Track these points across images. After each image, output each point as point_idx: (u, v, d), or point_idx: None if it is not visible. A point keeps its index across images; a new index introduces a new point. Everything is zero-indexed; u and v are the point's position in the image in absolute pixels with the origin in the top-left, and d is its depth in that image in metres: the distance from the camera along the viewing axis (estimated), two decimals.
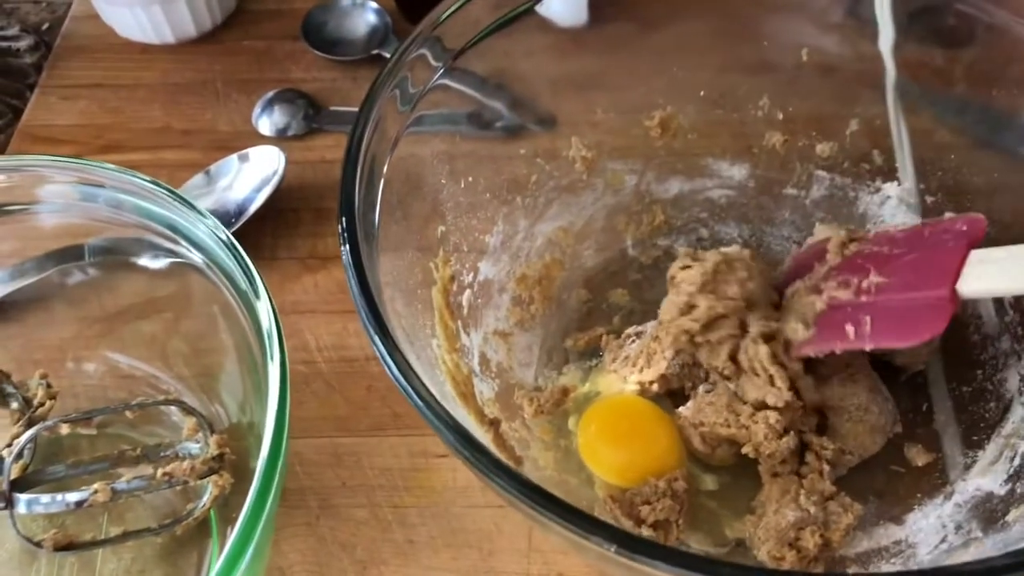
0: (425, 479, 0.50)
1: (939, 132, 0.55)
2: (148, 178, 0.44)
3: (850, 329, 0.44)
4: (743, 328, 0.47)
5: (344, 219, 0.39)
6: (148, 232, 0.45)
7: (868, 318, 0.44)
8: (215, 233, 0.42)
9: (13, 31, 0.76)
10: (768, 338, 0.46)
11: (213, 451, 0.46)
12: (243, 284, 0.42)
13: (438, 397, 0.37)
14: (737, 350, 0.47)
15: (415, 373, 0.36)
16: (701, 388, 0.49)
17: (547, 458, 0.48)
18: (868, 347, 0.44)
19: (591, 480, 0.47)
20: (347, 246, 0.38)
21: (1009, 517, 0.40)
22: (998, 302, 0.49)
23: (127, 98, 0.69)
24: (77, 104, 0.68)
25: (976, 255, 0.42)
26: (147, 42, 0.71)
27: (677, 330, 0.46)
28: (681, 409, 0.48)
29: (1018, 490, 0.41)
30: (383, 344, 0.36)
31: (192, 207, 0.43)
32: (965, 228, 0.43)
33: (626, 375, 0.50)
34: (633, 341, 0.51)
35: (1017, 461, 0.43)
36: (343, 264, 0.38)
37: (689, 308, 0.46)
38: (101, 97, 0.69)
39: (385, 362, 0.36)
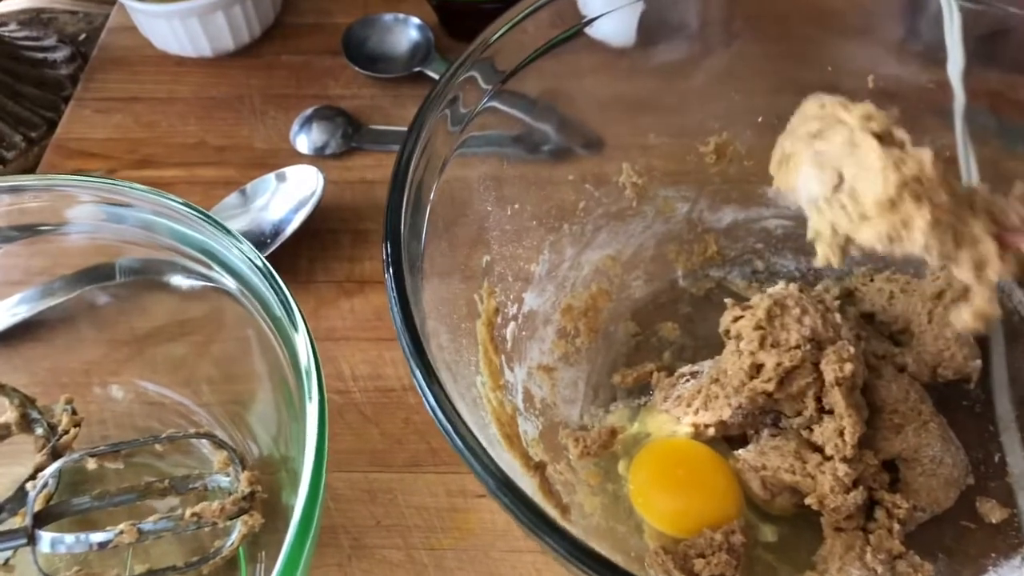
0: (463, 520, 0.48)
1: (1005, 163, 0.52)
2: (180, 200, 0.42)
3: None
4: (818, 372, 0.44)
5: (389, 246, 0.37)
6: (179, 255, 0.43)
7: None
8: (249, 258, 0.40)
9: (50, 42, 0.75)
10: (843, 380, 0.43)
11: (244, 489, 0.44)
12: (279, 313, 0.40)
13: (483, 441, 0.34)
14: (821, 395, 0.44)
15: (459, 415, 0.33)
16: (766, 431, 0.46)
17: (594, 503, 0.45)
18: None
19: (640, 528, 0.44)
20: (391, 274, 0.36)
21: None
22: None
23: (162, 112, 0.67)
24: (112, 117, 0.67)
25: None
26: (184, 55, 0.69)
27: (752, 393, 0.44)
28: (740, 452, 0.45)
29: None
30: (426, 383, 0.34)
31: (225, 230, 0.41)
32: None
33: (679, 416, 0.47)
34: (687, 381, 0.49)
35: None
36: (387, 295, 0.36)
37: (756, 369, 0.44)
38: (136, 111, 0.67)
39: (428, 402, 0.33)
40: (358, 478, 0.49)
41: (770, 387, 0.44)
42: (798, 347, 0.44)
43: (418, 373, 0.34)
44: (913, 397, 0.46)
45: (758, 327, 0.45)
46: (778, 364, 0.43)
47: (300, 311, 0.38)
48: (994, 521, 0.44)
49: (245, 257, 0.41)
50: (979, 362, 0.47)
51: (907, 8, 0.51)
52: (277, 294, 0.39)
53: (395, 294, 0.36)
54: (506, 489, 0.32)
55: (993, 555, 0.43)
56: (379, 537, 0.47)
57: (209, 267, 0.42)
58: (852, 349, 0.44)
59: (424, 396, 0.33)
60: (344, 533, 0.48)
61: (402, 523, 0.48)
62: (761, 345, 0.44)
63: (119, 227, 0.43)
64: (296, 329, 0.38)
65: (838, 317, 0.46)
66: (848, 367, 0.43)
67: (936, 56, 0.50)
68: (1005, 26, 0.48)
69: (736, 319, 0.46)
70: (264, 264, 0.40)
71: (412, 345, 0.34)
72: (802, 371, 0.44)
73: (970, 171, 0.52)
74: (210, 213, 0.41)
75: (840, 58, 0.51)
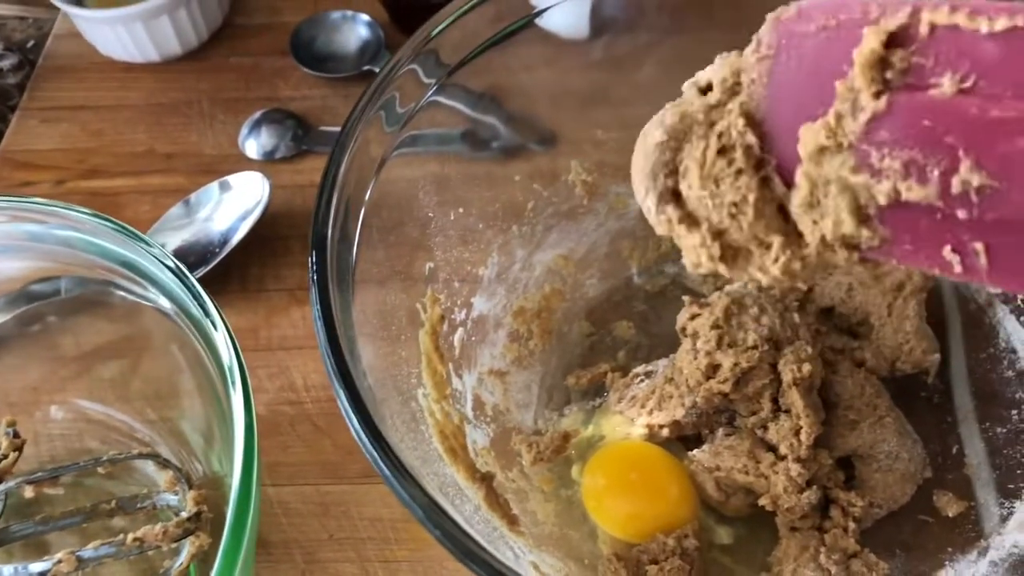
0: (417, 530, 0.46)
1: None
2: (92, 212, 0.41)
3: (951, 256, 0.25)
4: (775, 372, 0.43)
5: (314, 257, 0.36)
6: (107, 272, 0.42)
7: (980, 246, 0.25)
8: (163, 263, 0.39)
9: None
10: (800, 381, 0.43)
11: (191, 509, 0.43)
12: (198, 315, 0.38)
13: (419, 462, 0.34)
14: (777, 395, 0.43)
15: (384, 440, 0.32)
16: (720, 431, 0.45)
17: (547, 510, 0.44)
18: (987, 285, 0.32)
19: (594, 534, 0.44)
20: (316, 289, 0.35)
21: None
22: None
23: (110, 120, 0.66)
24: (59, 127, 0.66)
25: None
26: (131, 61, 0.68)
27: (708, 393, 0.43)
28: (695, 452, 0.45)
29: None
30: (351, 406, 0.33)
31: (143, 241, 0.40)
32: None
33: (633, 417, 0.46)
34: (642, 381, 0.48)
35: None
36: (311, 315, 0.35)
37: (713, 369, 0.43)
38: (83, 119, 0.66)
39: (352, 425, 0.33)
40: (310, 491, 0.49)
41: (726, 388, 0.43)
42: (755, 347, 0.43)
43: (342, 395, 0.33)
44: (869, 392, 0.45)
45: (715, 326, 0.44)
46: (735, 364, 0.42)
47: (217, 307, 0.37)
48: (951, 515, 0.43)
49: (161, 264, 0.40)
50: (938, 356, 0.47)
51: None
52: (193, 296, 0.38)
53: (319, 309, 0.35)
54: (431, 520, 0.31)
55: (950, 549, 0.42)
56: (333, 551, 0.47)
57: (132, 279, 0.41)
58: (810, 349, 0.44)
59: (349, 421, 0.32)
60: (297, 548, 0.47)
61: (356, 536, 0.47)
62: (718, 345, 0.43)
63: (43, 246, 0.42)
64: (215, 327, 0.37)
65: (796, 317, 0.45)
66: (807, 367, 0.43)
67: None
68: None
69: (693, 317, 0.45)
70: (177, 267, 0.39)
71: (336, 365, 0.33)
72: (759, 372, 0.43)
73: None
74: (127, 225, 0.40)
75: None
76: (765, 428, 0.44)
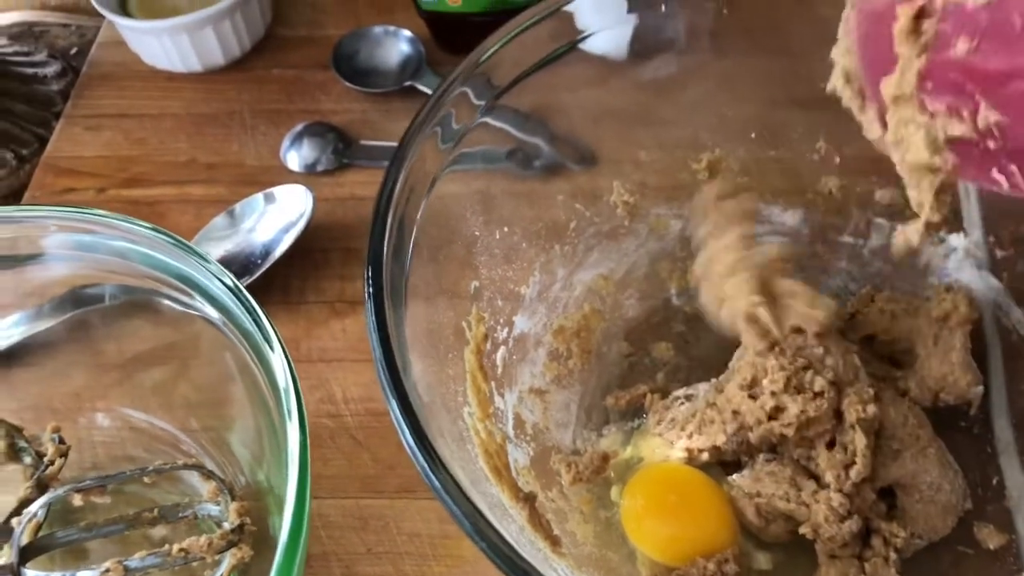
0: (455, 547, 0.47)
1: None
2: (148, 225, 0.41)
3: (999, 176, 0.32)
4: (838, 416, 0.43)
5: (370, 274, 0.36)
6: (157, 283, 0.42)
7: (1015, 168, 0.31)
8: (220, 280, 0.40)
9: (40, 56, 0.75)
10: (863, 422, 0.42)
11: (234, 521, 0.44)
12: (255, 334, 0.39)
13: (467, 479, 0.34)
14: (834, 441, 0.43)
15: (440, 457, 0.33)
16: (761, 457, 0.45)
17: (586, 531, 0.44)
18: None
19: (633, 556, 0.44)
20: (372, 306, 0.35)
21: None
22: None
23: (153, 129, 0.67)
24: (102, 135, 0.66)
25: None
26: (174, 71, 0.68)
27: (768, 432, 0.43)
28: (735, 477, 0.45)
29: None
30: (406, 423, 0.33)
31: (195, 253, 0.40)
32: None
33: (673, 440, 0.46)
34: (682, 403, 0.48)
35: None
36: (367, 329, 0.35)
37: (777, 410, 0.42)
38: (126, 128, 0.67)
39: (406, 441, 0.33)
40: (350, 505, 0.49)
41: (790, 432, 0.42)
42: (822, 394, 0.42)
43: (397, 411, 0.33)
44: (912, 422, 0.45)
45: (782, 368, 0.43)
46: (802, 411, 0.42)
47: (275, 329, 0.38)
48: (992, 547, 0.43)
49: (217, 279, 0.40)
50: (981, 388, 0.46)
51: None
52: (250, 314, 0.38)
53: (375, 323, 0.35)
54: (481, 535, 0.31)
55: None
56: (370, 565, 0.47)
57: (183, 291, 0.42)
58: (872, 391, 0.43)
59: (403, 436, 0.33)
60: (336, 561, 0.47)
61: (394, 550, 0.47)
62: (785, 388, 0.42)
63: (94, 256, 0.42)
64: (272, 349, 0.37)
65: (857, 359, 0.45)
66: (871, 409, 0.42)
67: None
68: None
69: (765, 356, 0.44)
70: (235, 284, 0.39)
71: (390, 379, 0.34)
72: (823, 419, 0.42)
73: (969, 188, 0.51)
74: (183, 239, 0.41)
75: (825, 71, 0.51)
76: (810, 457, 0.44)
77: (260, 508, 0.45)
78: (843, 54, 0.37)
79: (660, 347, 0.52)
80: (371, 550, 0.47)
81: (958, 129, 0.31)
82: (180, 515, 0.46)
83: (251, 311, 0.39)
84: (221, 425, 0.48)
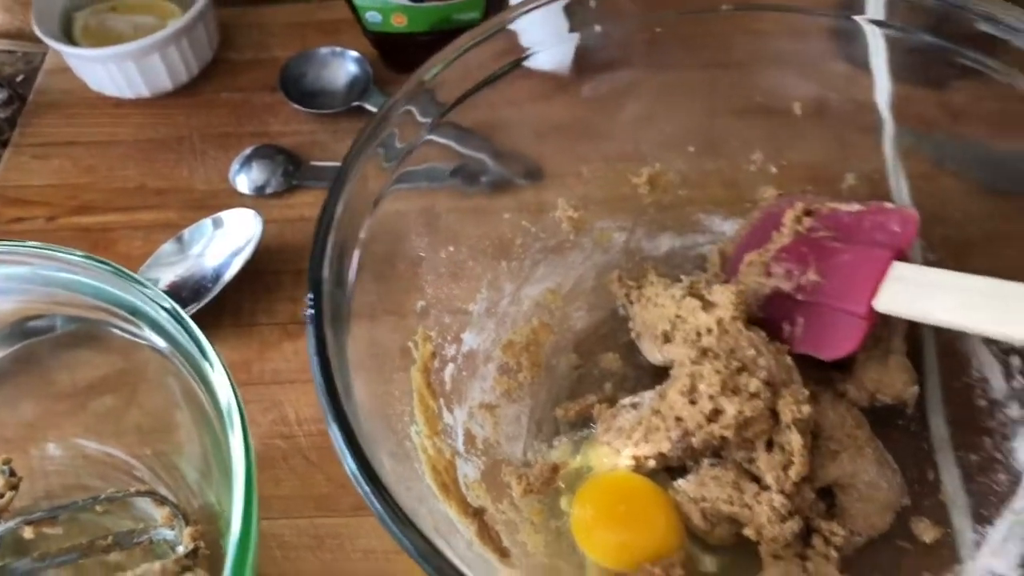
0: (409, 562, 0.48)
1: (940, 179, 0.53)
2: (86, 255, 0.42)
3: (787, 327, 0.48)
4: (774, 415, 0.44)
5: (311, 298, 0.37)
6: (101, 312, 0.43)
7: (801, 320, 0.47)
8: (158, 303, 0.40)
9: None
10: (799, 422, 0.44)
11: (187, 545, 0.44)
12: (196, 356, 0.39)
13: (414, 500, 0.35)
14: (772, 442, 0.44)
15: (378, 482, 0.33)
16: (705, 462, 0.46)
17: (537, 541, 0.45)
18: (796, 350, 0.46)
19: (583, 565, 0.45)
20: (314, 330, 0.36)
21: None
22: (1006, 367, 0.47)
23: (101, 155, 0.67)
24: (50, 163, 0.66)
25: (898, 270, 0.44)
26: (122, 97, 0.69)
27: (709, 436, 0.44)
28: (680, 482, 0.46)
29: None
30: (347, 446, 0.34)
31: (139, 282, 0.40)
32: (897, 229, 0.46)
33: (620, 448, 0.47)
34: (628, 411, 0.49)
35: None
36: (304, 349, 0.36)
37: (715, 413, 0.43)
38: (75, 155, 0.67)
39: (347, 466, 0.34)
40: (304, 524, 0.49)
41: (729, 433, 0.44)
42: (758, 395, 0.44)
43: (338, 436, 0.34)
44: (849, 423, 0.46)
45: (718, 371, 0.44)
46: (739, 412, 0.43)
47: (215, 349, 0.38)
48: (928, 541, 0.45)
49: (158, 305, 0.41)
50: (917, 388, 0.48)
51: (834, 34, 0.52)
52: (191, 336, 0.39)
53: (315, 348, 0.36)
54: (425, 558, 0.32)
55: (926, 574, 0.43)
56: None
57: (126, 319, 0.42)
58: (807, 392, 0.45)
59: (344, 461, 0.34)
60: None
61: (350, 568, 0.48)
62: (722, 390, 0.44)
63: (36, 288, 0.43)
64: (213, 368, 0.38)
65: (789, 359, 0.46)
66: (806, 409, 0.44)
67: (863, 80, 0.51)
68: (929, 50, 0.49)
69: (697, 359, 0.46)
70: (174, 308, 0.39)
71: (332, 405, 0.34)
72: (760, 418, 0.44)
73: (900, 192, 0.53)
74: (121, 266, 0.41)
75: (768, 84, 0.52)
76: (751, 460, 0.45)
77: (213, 531, 0.45)
78: (725, 245, 0.54)
79: (608, 357, 0.53)
80: (327, 568, 0.48)
81: (785, 285, 0.48)
82: (135, 541, 0.46)
83: (191, 333, 0.39)
84: (171, 450, 0.48)
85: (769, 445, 0.44)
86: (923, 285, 0.43)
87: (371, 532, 0.49)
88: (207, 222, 0.58)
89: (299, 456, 0.52)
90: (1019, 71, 0.45)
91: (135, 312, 0.42)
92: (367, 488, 0.33)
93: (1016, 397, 0.46)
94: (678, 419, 0.45)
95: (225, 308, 0.57)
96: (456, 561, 0.33)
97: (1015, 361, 0.47)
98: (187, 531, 0.44)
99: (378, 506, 0.32)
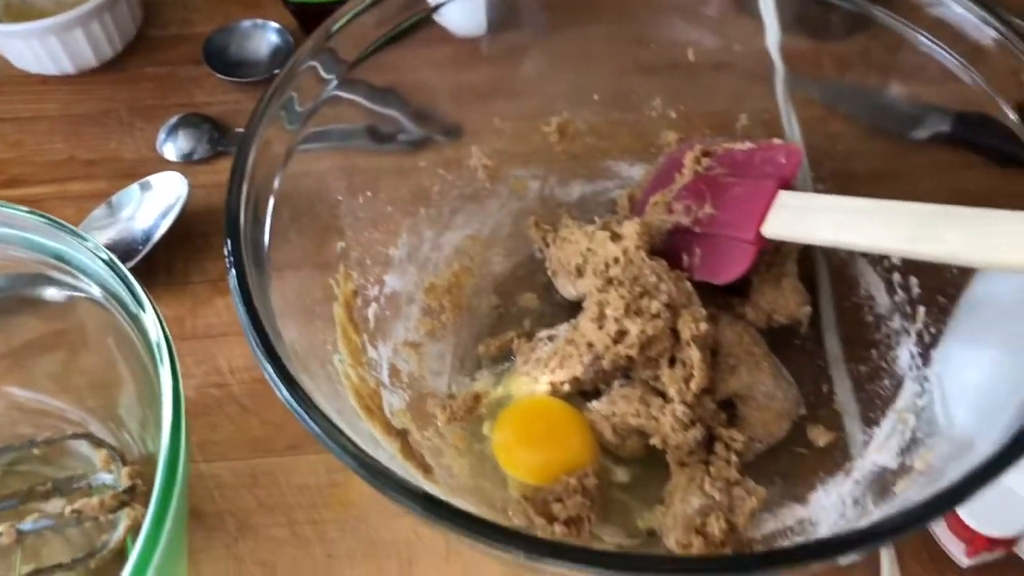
0: (343, 494, 0.50)
1: (830, 122, 0.57)
2: (25, 208, 0.43)
3: (685, 258, 0.51)
4: (675, 335, 0.48)
5: (229, 242, 0.39)
6: (39, 265, 0.44)
7: (699, 250, 0.51)
8: (97, 255, 0.42)
9: None
10: (697, 338, 0.47)
11: (125, 483, 0.46)
12: (128, 300, 0.41)
13: (336, 413, 0.37)
14: (675, 353, 0.48)
15: (303, 391, 0.36)
16: (616, 384, 0.49)
17: (461, 464, 0.48)
18: (696, 277, 0.50)
19: (505, 482, 0.48)
20: (233, 270, 0.38)
21: (896, 488, 0.41)
22: (888, 283, 0.51)
23: (29, 131, 0.68)
24: None
25: (783, 198, 0.48)
26: (46, 73, 0.70)
27: (616, 356, 0.47)
28: (593, 403, 0.49)
29: (907, 462, 0.43)
30: (270, 365, 0.36)
31: (75, 234, 0.42)
32: (783, 161, 0.50)
33: (538, 376, 0.50)
34: (545, 343, 0.52)
35: (908, 435, 0.45)
36: (230, 289, 0.38)
37: (621, 335, 0.47)
38: (2, 132, 0.68)
39: (272, 381, 0.36)
40: (240, 466, 0.52)
41: (633, 352, 0.47)
42: (659, 315, 0.47)
43: (258, 349, 0.36)
44: (747, 340, 0.50)
45: (622, 297, 0.47)
46: (642, 331, 0.46)
47: (146, 291, 0.40)
48: (821, 444, 0.48)
49: (93, 254, 0.42)
50: (809, 308, 0.52)
51: None
52: (123, 281, 0.41)
53: (237, 285, 0.38)
54: (355, 459, 0.34)
55: (821, 474, 0.47)
56: (264, 517, 0.50)
57: (64, 271, 0.44)
58: (704, 311, 0.48)
59: (265, 371, 0.36)
60: (230, 516, 0.50)
61: (285, 502, 0.50)
62: (626, 313, 0.47)
63: None
64: (144, 309, 0.40)
65: (689, 284, 0.50)
66: (703, 326, 0.47)
67: (755, 28, 0.55)
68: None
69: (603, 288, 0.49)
70: (109, 257, 0.41)
71: (253, 327, 0.36)
72: (661, 336, 0.47)
73: (794, 133, 0.56)
74: (59, 219, 0.43)
75: (663, 35, 0.56)
76: (656, 377, 0.48)
77: (151, 473, 0.47)
78: (634, 189, 0.58)
79: (526, 297, 0.56)
80: (263, 504, 0.50)
81: (685, 219, 0.51)
82: (74, 486, 0.48)
83: (124, 280, 0.41)
84: (111, 402, 0.50)
85: (672, 362, 0.48)
86: (805, 209, 0.47)
87: (305, 469, 0.51)
88: (135, 187, 0.59)
89: (234, 403, 0.54)
90: (905, 21, 0.49)
91: (73, 264, 0.44)
92: (288, 393, 0.35)
93: (898, 310, 0.50)
94: (589, 344, 0.48)
95: (157, 269, 0.59)
96: (383, 459, 0.35)
97: (896, 277, 0.51)
98: (125, 470, 0.46)
99: (306, 417, 0.35)
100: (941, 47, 0.46)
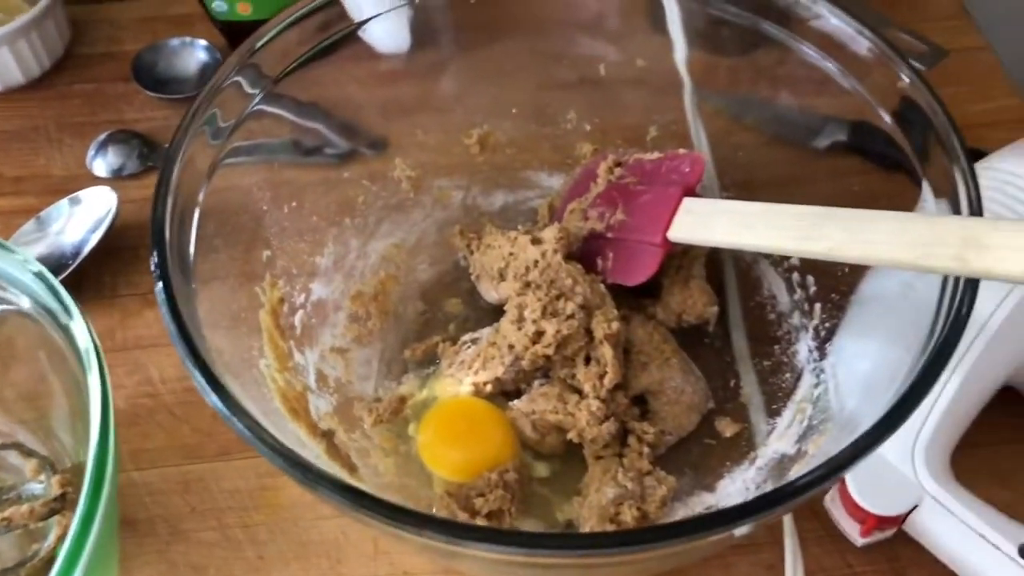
0: (273, 497, 0.52)
1: (736, 133, 0.60)
2: None
3: (599, 261, 0.54)
4: (589, 335, 0.50)
5: (155, 254, 0.40)
6: None
7: (611, 254, 0.53)
8: (25, 266, 0.43)
9: None
10: (610, 336, 0.50)
11: (55, 491, 0.47)
12: (59, 311, 0.42)
13: (263, 415, 0.39)
14: (590, 351, 0.50)
15: (230, 395, 0.37)
16: (536, 383, 0.52)
17: (387, 464, 0.50)
18: (609, 280, 0.52)
19: (430, 480, 0.50)
20: (160, 281, 0.40)
21: (791, 472, 0.44)
22: (788, 283, 0.54)
23: None
24: None
25: (687, 204, 0.51)
26: None
27: (534, 356, 0.49)
28: (515, 402, 0.51)
29: (803, 448, 0.46)
30: (198, 370, 0.38)
31: (2, 246, 0.43)
32: (688, 170, 0.53)
33: (461, 378, 0.53)
34: (469, 347, 0.54)
35: (805, 424, 0.48)
36: (156, 299, 0.40)
37: (538, 335, 0.49)
38: None
39: (200, 386, 0.37)
40: (172, 472, 0.53)
41: (550, 351, 0.49)
42: (573, 316, 0.49)
43: (185, 355, 0.38)
44: (657, 338, 0.53)
45: (539, 299, 0.50)
46: (557, 331, 0.49)
47: (74, 299, 0.41)
48: (728, 435, 0.51)
49: (20, 265, 0.43)
50: (716, 308, 0.55)
51: (645, 4, 0.58)
52: (51, 291, 0.42)
53: (164, 296, 0.39)
54: (283, 457, 0.36)
55: (728, 463, 0.50)
56: (195, 522, 0.51)
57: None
58: (616, 312, 0.51)
59: (193, 376, 0.37)
60: (162, 522, 0.51)
61: (216, 507, 0.52)
62: (543, 314, 0.50)
63: None
64: (72, 317, 0.41)
65: (603, 286, 0.52)
66: (615, 325, 0.50)
67: (664, 45, 0.57)
68: (722, 18, 0.55)
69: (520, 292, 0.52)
70: (40, 269, 0.42)
71: (179, 333, 0.38)
72: (576, 336, 0.50)
73: (702, 143, 0.60)
74: None
75: (576, 52, 0.58)
76: (573, 376, 0.51)
77: (82, 482, 0.48)
78: (553, 198, 0.61)
79: (451, 303, 0.58)
80: (194, 509, 0.51)
81: (598, 226, 0.54)
82: (4, 497, 0.48)
83: (53, 290, 0.43)
84: (43, 415, 0.51)
85: (587, 361, 0.50)
86: (707, 214, 0.50)
87: (236, 474, 0.53)
88: (64, 202, 0.60)
89: (165, 412, 0.55)
90: (792, 35, 0.52)
91: (2, 276, 0.44)
92: (215, 396, 0.37)
93: (797, 307, 0.54)
94: (510, 346, 0.50)
95: (87, 282, 0.60)
96: (310, 458, 0.37)
97: (795, 277, 0.54)
98: (55, 478, 0.47)
99: (234, 419, 0.36)
100: (824, 57, 0.49)
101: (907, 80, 0.45)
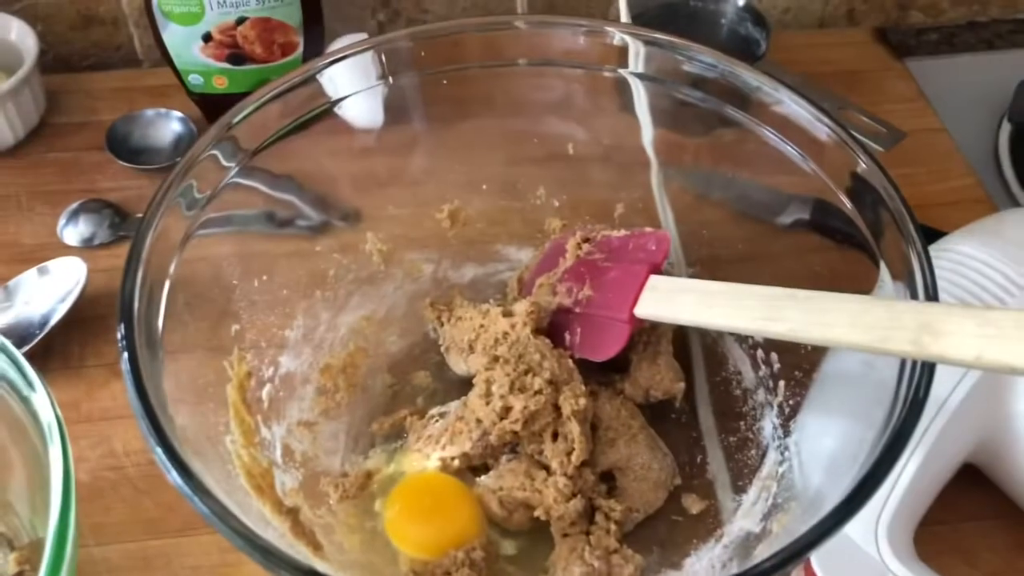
0: (235, 573, 0.51)
1: (702, 209, 0.62)
2: None
3: (567, 336, 0.54)
4: (556, 410, 0.50)
5: (122, 326, 0.41)
6: None
7: (579, 329, 0.54)
8: None
9: None
10: (577, 413, 0.50)
11: (12, 569, 0.46)
12: (20, 384, 0.42)
13: (226, 494, 0.38)
14: (558, 427, 0.50)
15: (193, 474, 0.37)
16: (504, 459, 0.52)
17: (352, 541, 0.49)
18: (577, 355, 0.53)
19: (396, 558, 0.49)
20: (125, 354, 0.40)
21: (757, 551, 0.44)
22: (753, 359, 0.55)
23: None
24: None
25: (653, 282, 0.52)
26: None
27: (502, 431, 0.49)
28: (482, 478, 0.51)
29: (767, 526, 0.46)
30: (161, 448, 0.38)
31: None
32: (653, 248, 0.54)
33: (429, 453, 0.53)
34: (437, 420, 0.54)
35: (770, 501, 0.48)
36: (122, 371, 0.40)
37: (506, 411, 0.49)
38: None
39: (163, 465, 0.37)
40: (133, 547, 0.52)
41: (518, 427, 0.49)
42: (541, 392, 0.50)
43: (147, 432, 0.38)
44: (624, 414, 0.53)
45: (507, 374, 0.50)
46: (524, 407, 0.49)
47: (37, 372, 0.41)
48: (695, 512, 0.52)
49: None
50: (683, 384, 0.55)
51: (613, 86, 0.59)
52: (14, 363, 0.41)
53: (129, 370, 0.39)
54: (243, 539, 0.36)
55: (695, 541, 0.50)
56: None
57: None
58: (584, 388, 0.51)
59: (157, 457, 0.37)
60: None
61: None
62: (511, 390, 0.50)
63: None
64: (34, 389, 0.41)
65: (571, 362, 0.53)
66: (582, 401, 0.50)
67: (631, 126, 0.59)
68: (687, 101, 0.57)
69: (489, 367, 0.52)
70: (1, 340, 0.42)
71: (145, 412, 0.38)
72: (544, 412, 0.50)
73: (668, 220, 0.61)
74: None
75: (545, 131, 0.60)
76: (540, 452, 0.51)
77: (40, 559, 0.47)
78: (522, 272, 0.61)
79: (420, 376, 0.58)
80: None
81: (567, 301, 0.55)
82: None
83: (14, 362, 0.42)
84: (1, 488, 0.50)
85: (555, 437, 0.50)
86: (672, 291, 0.51)
87: (198, 550, 0.52)
88: (33, 271, 0.60)
89: (128, 485, 0.54)
90: (762, 121, 0.54)
91: None
92: (177, 474, 0.36)
93: (762, 384, 0.54)
94: (478, 420, 0.50)
95: (54, 353, 0.60)
96: (273, 540, 0.37)
97: (760, 354, 0.55)
98: (12, 556, 0.46)
99: (183, 485, 0.36)
100: (784, 140, 0.51)
101: (864, 164, 0.47)
